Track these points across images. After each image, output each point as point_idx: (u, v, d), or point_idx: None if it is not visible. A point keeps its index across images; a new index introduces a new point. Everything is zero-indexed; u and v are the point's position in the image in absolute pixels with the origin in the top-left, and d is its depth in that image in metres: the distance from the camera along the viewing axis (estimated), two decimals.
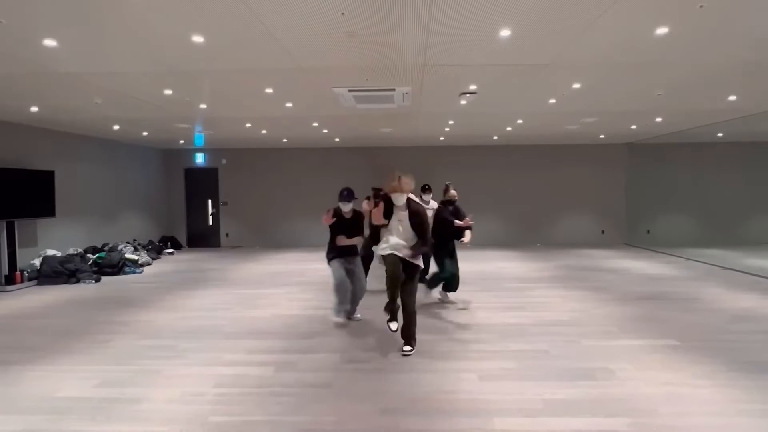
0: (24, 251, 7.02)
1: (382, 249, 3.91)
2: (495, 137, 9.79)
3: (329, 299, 5.53)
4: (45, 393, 3.07)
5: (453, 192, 5.24)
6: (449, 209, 5.18)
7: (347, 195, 4.42)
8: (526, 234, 10.90)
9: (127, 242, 9.16)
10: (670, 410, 2.74)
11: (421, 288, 4.48)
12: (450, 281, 5.23)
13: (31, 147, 7.33)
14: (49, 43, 3.65)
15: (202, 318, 4.77)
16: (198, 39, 3.65)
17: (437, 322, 4.62)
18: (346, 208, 4.47)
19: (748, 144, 10.59)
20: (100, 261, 7.58)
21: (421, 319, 4.72)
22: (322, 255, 5.64)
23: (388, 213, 3.84)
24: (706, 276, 6.97)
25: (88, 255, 7.82)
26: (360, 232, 4.57)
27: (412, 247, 3.74)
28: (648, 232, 11.04)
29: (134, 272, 7.74)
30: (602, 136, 9.79)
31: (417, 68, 4.56)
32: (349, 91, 5.39)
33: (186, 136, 9.25)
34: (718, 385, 3.09)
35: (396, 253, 3.72)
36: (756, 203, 10.76)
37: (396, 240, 3.77)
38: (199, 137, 9.40)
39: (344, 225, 4.47)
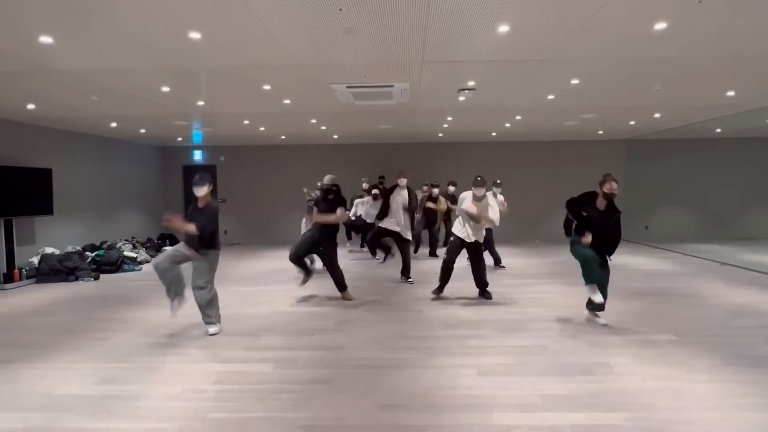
0: (22, 249, 7.00)
1: (392, 225, 6.28)
2: (493, 133, 9.78)
3: (328, 297, 5.55)
4: (45, 390, 3.07)
5: (614, 184, 4.15)
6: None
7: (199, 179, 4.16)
8: (524, 230, 10.90)
9: (126, 240, 9.14)
10: (668, 405, 2.76)
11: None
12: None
13: (29, 145, 7.30)
14: (45, 39, 3.63)
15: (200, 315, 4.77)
16: (195, 35, 3.63)
17: (436, 319, 4.63)
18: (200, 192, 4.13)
19: (746, 140, 10.59)
20: (98, 259, 7.57)
21: (419, 316, 4.75)
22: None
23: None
24: (704, 272, 6.99)
25: (87, 253, 7.80)
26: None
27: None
28: (646, 227, 11.07)
29: (133, 270, 7.73)
30: (601, 132, 9.79)
31: (415, 64, 4.55)
32: (348, 87, 5.37)
33: (184, 134, 9.22)
34: (716, 379, 3.10)
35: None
36: (754, 199, 10.78)
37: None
38: (197, 134, 9.37)
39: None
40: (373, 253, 8.31)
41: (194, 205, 4.21)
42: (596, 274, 4.12)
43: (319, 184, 6.85)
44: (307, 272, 5.52)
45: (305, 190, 7.08)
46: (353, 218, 8.35)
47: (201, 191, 4.12)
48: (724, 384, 3.03)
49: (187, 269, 4.19)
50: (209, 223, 4.06)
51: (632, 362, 3.41)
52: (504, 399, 2.86)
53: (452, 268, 5.37)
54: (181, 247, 4.21)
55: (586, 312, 4.46)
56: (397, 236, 6.34)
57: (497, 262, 7.38)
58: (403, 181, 6.36)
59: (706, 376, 3.15)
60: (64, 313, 5.06)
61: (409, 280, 6.36)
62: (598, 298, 4.14)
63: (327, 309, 5.07)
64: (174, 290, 4.20)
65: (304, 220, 7.20)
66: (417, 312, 4.88)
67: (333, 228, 5.29)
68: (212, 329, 4.18)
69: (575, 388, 2.99)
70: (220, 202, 11.23)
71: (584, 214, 4.18)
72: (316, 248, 5.37)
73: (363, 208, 8.27)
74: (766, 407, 2.72)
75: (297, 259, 5.38)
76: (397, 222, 6.27)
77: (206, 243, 4.09)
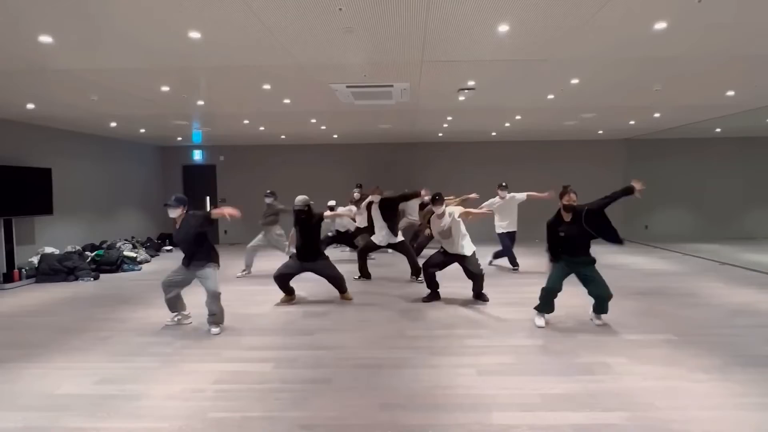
0: (22, 249, 7.00)
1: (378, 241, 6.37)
2: (493, 133, 9.78)
3: (328, 296, 5.55)
4: (45, 390, 3.07)
5: (573, 196, 4.31)
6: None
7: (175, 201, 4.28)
8: (523, 230, 10.85)
9: (126, 240, 9.14)
10: (668, 404, 2.76)
11: None
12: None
13: (28, 144, 7.30)
14: (45, 39, 3.63)
15: (201, 315, 4.76)
16: (195, 35, 3.63)
17: (435, 318, 4.63)
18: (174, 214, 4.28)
19: (745, 139, 10.60)
20: (98, 258, 7.57)
21: (418, 315, 4.75)
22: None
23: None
24: (704, 271, 6.99)
25: (87, 252, 7.80)
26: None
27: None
28: (646, 227, 11.07)
29: (133, 270, 7.73)
30: (600, 132, 9.80)
31: (415, 64, 4.54)
32: (347, 87, 5.37)
33: (183, 133, 9.22)
34: (716, 379, 3.11)
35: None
36: (754, 198, 10.79)
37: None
38: (197, 134, 9.36)
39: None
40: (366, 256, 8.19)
41: (174, 227, 4.34)
42: (551, 306, 4.35)
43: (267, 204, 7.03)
44: (290, 292, 5.35)
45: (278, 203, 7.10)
46: (331, 233, 8.10)
47: (175, 212, 4.27)
48: (724, 383, 3.03)
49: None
50: (200, 233, 4.26)
51: (632, 362, 3.41)
52: (504, 398, 2.86)
53: (433, 274, 5.27)
54: (182, 270, 4.34)
55: (590, 313, 4.44)
56: (392, 247, 6.44)
57: (512, 263, 7.28)
58: (376, 198, 6.39)
59: (705, 376, 3.15)
60: (63, 313, 5.06)
61: (419, 279, 6.29)
62: (540, 322, 4.33)
63: (326, 308, 5.07)
64: (174, 307, 4.48)
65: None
66: (416, 311, 4.88)
67: (316, 242, 5.27)
68: (217, 329, 4.26)
69: (575, 387, 2.99)
70: (220, 202, 11.28)
71: (562, 234, 4.26)
72: (306, 269, 5.26)
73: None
74: (766, 407, 2.72)
75: (283, 278, 5.22)
76: (379, 238, 6.38)
77: (208, 251, 4.33)
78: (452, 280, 5.79)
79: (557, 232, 4.28)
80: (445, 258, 5.24)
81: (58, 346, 3.92)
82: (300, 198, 5.20)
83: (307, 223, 5.20)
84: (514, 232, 7.18)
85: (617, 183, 10.91)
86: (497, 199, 7.07)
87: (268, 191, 7.26)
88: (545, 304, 4.35)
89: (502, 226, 7.10)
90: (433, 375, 3.23)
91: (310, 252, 5.22)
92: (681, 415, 2.63)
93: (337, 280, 5.32)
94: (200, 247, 4.29)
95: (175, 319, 4.51)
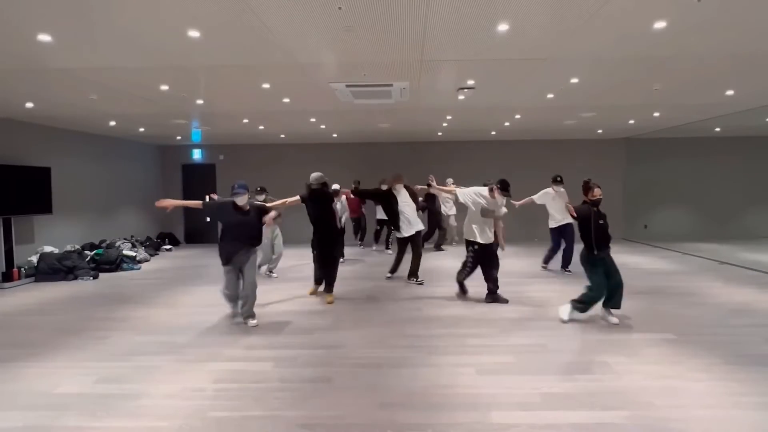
0: (21, 248, 6.99)
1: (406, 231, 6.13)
2: (493, 132, 9.78)
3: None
4: (44, 389, 3.07)
5: (598, 191, 4.34)
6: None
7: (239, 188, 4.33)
8: (523, 229, 10.91)
9: (125, 239, 9.13)
10: (667, 403, 2.76)
11: None
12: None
13: (27, 143, 7.29)
14: (44, 38, 3.62)
15: (201, 314, 4.77)
16: (194, 34, 3.62)
17: (435, 318, 4.64)
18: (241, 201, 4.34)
19: (745, 138, 10.61)
20: (97, 258, 7.57)
21: (418, 315, 4.75)
22: None
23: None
24: (703, 270, 7.00)
25: (86, 252, 7.80)
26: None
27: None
28: (645, 226, 11.08)
29: (132, 269, 7.73)
30: (600, 131, 9.80)
31: (415, 63, 4.54)
32: (347, 86, 5.37)
33: (183, 132, 9.21)
34: (715, 378, 3.11)
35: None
36: (753, 198, 10.80)
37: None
38: (196, 133, 9.36)
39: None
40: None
41: (235, 208, 4.35)
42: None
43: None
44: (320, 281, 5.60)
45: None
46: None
47: (243, 199, 4.34)
48: (723, 382, 3.04)
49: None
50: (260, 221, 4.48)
51: (631, 361, 3.41)
52: (503, 398, 2.86)
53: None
54: (234, 266, 4.36)
55: (601, 311, 4.44)
56: (412, 239, 6.19)
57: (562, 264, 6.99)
58: (400, 186, 6.23)
59: (704, 375, 3.16)
60: (63, 312, 5.06)
61: (419, 281, 6.24)
62: (566, 317, 4.39)
63: (326, 307, 5.08)
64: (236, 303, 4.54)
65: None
66: (416, 311, 4.89)
67: (333, 220, 5.48)
68: (255, 321, 4.44)
69: (574, 386, 3.00)
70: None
71: (601, 222, 4.27)
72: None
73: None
74: (765, 405, 2.73)
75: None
76: (409, 222, 6.12)
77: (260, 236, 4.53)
78: (451, 279, 5.78)
79: (599, 223, 4.25)
80: (482, 253, 5.21)
81: (58, 346, 3.92)
82: (315, 175, 5.29)
83: (324, 203, 5.32)
84: (569, 224, 6.66)
85: (616, 182, 11.06)
86: (551, 191, 6.83)
87: (260, 188, 6.81)
88: (587, 307, 4.32)
89: (556, 219, 6.83)
90: (433, 374, 3.24)
91: (328, 234, 5.38)
92: (680, 414, 2.64)
93: (334, 270, 5.42)
94: (258, 233, 4.46)
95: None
